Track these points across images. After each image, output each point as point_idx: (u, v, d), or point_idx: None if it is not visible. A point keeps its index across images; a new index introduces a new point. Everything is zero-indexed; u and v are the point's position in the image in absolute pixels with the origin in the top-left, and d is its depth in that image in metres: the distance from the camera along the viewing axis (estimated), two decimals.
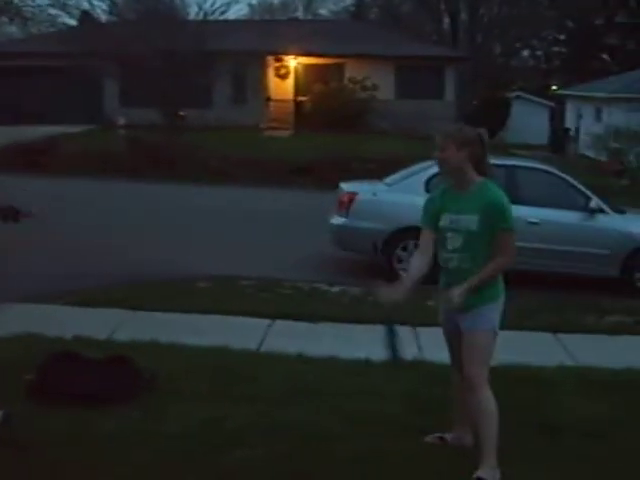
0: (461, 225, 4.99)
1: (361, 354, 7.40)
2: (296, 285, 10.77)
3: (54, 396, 5.86)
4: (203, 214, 16.32)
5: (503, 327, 8.63)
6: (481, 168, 5.05)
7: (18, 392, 6.02)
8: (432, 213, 5.16)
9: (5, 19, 56.71)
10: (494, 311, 5.10)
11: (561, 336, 8.82)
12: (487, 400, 5.03)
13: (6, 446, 5.08)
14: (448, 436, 5.50)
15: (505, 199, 4.99)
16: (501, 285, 5.15)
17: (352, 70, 37.29)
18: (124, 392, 6.08)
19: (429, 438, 5.52)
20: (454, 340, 5.23)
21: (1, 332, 7.65)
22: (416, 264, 5.12)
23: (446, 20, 56.69)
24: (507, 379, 6.94)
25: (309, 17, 67.11)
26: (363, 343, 7.95)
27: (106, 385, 6.09)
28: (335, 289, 10.73)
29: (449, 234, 5.04)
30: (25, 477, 4.82)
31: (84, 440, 5.35)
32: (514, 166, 12.34)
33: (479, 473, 4.95)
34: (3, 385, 6.21)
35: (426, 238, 5.19)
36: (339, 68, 37.80)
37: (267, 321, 8.82)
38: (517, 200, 11.58)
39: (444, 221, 5.07)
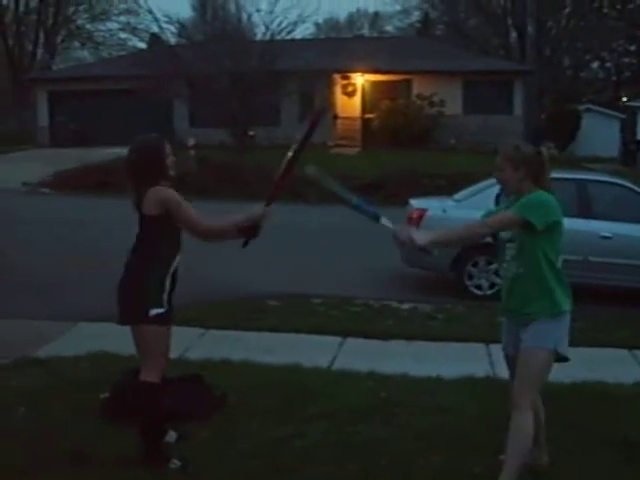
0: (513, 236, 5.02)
1: (432, 372, 7.36)
2: (366, 302, 10.75)
3: (127, 415, 5.92)
4: (271, 232, 16.39)
5: (575, 344, 8.51)
6: (541, 184, 4.98)
7: (94, 411, 6.11)
8: None
9: (77, 44, 58.15)
10: (557, 329, 4.98)
11: (637, 352, 8.65)
12: (525, 423, 4.90)
13: None
14: None
15: (540, 198, 4.88)
16: (563, 301, 5.02)
17: (419, 86, 37.17)
18: (196, 410, 6.13)
19: (503, 456, 5.44)
20: (513, 360, 5.16)
21: (77, 351, 7.79)
22: None
23: (513, 34, 56.25)
24: (583, 396, 6.87)
25: (375, 34, 67.24)
26: (434, 360, 7.91)
27: (179, 404, 6.14)
28: (405, 306, 10.69)
29: (508, 244, 5.04)
30: None
31: None
32: (586, 180, 12.21)
33: None
34: (79, 404, 6.31)
35: None
36: (406, 84, 37.69)
37: (338, 339, 8.82)
38: (589, 214, 11.50)
39: (503, 234, 5.09)
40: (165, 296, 5.15)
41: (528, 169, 4.93)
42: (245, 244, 5.21)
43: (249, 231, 5.15)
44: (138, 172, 5.13)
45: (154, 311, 5.09)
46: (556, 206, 4.93)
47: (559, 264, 4.99)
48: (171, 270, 5.19)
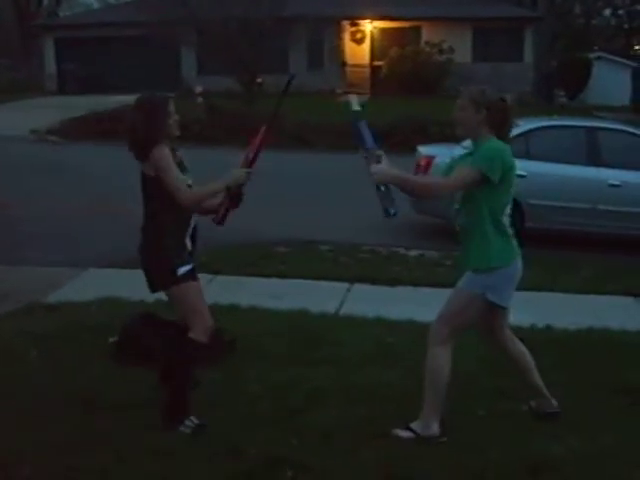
0: None
1: None
2: (374, 249, 10.79)
3: (136, 358, 5.98)
4: (281, 180, 16.39)
5: (581, 291, 8.55)
6: (502, 134, 4.94)
7: (103, 355, 6.19)
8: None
9: None
10: (490, 278, 4.91)
11: None
12: (439, 358, 5.00)
13: None
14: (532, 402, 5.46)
15: (497, 149, 4.86)
16: (501, 255, 4.93)
17: (429, 33, 36.86)
18: (205, 354, 6.18)
19: (533, 403, 5.44)
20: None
21: (87, 296, 7.86)
22: None
23: None
24: (588, 342, 6.92)
25: None
26: (440, 306, 7.94)
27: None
28: (413, 253, 10.73)
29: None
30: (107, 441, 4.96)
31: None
32: (595, 127, 12.16)
33: (412, 423, 5.03)
34: (89, 348, 6.39)
35: None
36: (415, 31, 37.38)
37: (346, 285, 8.87)
38: (598, 162, 11.48)
39: None
40: (187, 254, 5.11)
41: (488, 113, 4.88)
42: (223, 218, 5.16)
43: (235, 196, 5.10)
44: (139, 130, 5.06)
45: (182, 269, 5.04)
46: (509, 156, 4.88)
47: (504, 215, 4.93)
48: (189, 230, 5.14)
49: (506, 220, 4.97)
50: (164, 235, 5.06)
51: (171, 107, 5.21)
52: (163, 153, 4.96)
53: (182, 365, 5.16)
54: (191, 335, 5.11)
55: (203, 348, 5.15)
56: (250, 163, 5.12)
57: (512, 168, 4.90)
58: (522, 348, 5.30)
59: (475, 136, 4.96)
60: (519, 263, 5.03)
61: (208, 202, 5.16)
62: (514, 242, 5.03)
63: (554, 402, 5.35)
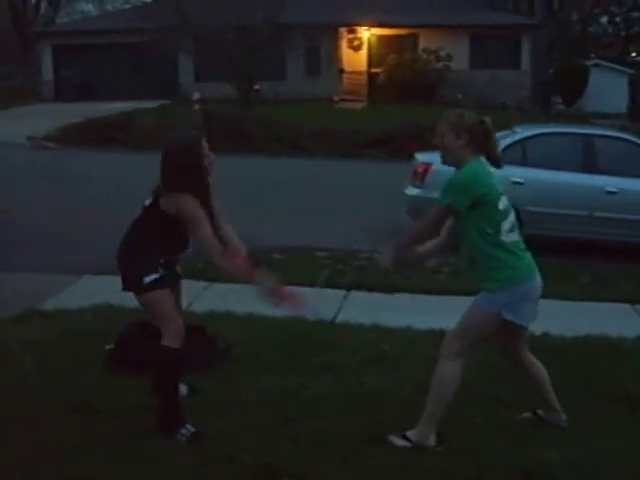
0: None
1: (436, 324, 7.39)
2: (371, 256, 10.74)
3: (131, 366, 5.95)
4: (277, 186, 16.38)
5: (578, 299, 8.51)
6: (490, 154, 4.86)
7: (98, 362, 6.16)
8: None
9: None
10: (505, 297, 4.81)
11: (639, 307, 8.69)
12: (448, 372, 4.95)
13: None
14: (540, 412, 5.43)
15: (455, 178, 4.79)
16: (515, 273, 4.83)
17: (426, 40, 36.90)
18: (201, 362, 6.16)
19: (541, 411, 5.42)
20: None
21: (83, 303, 7.83)
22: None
23: None
24: (586, 350, 6.90)
25: None
26: (438, 314, 7.94)
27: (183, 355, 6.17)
28: None
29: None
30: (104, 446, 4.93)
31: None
32: (591, 134, 12.18)
33: (408, 432, 4.99)
34: (84, 355, 6.36)
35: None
36: (413, 39, 37.42)
37: (342, 292, 8.84)
38: (595, 169, 11.49)
39: None
40: (158, 265, 5.09)
41: (470, 137, 4.79)
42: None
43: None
44: (168, 176, 5.04)
45: (148, 278, 5.03)
46: (480, 180, 4.76)
47: (502, 234, 4.79)
48: (164, 258, 5.14)
49: (511, 237, 4.83)
50: (143, 249, 5.11)
51: (204, 147, 5.23)
52: (190, 204, 4.96)
53: (163, 374, 5.13)
54: (163, 342, 5.06)
55: (179, 354, 5.09)
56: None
57: (491, 187, 4.76)
58: (539, 365, 5.26)
59: (458, 163, 4.86)
60: (537, 279, 4.95)
61: None
62: (528, 258, 4.93)
63: (563, 416, 5.31)
